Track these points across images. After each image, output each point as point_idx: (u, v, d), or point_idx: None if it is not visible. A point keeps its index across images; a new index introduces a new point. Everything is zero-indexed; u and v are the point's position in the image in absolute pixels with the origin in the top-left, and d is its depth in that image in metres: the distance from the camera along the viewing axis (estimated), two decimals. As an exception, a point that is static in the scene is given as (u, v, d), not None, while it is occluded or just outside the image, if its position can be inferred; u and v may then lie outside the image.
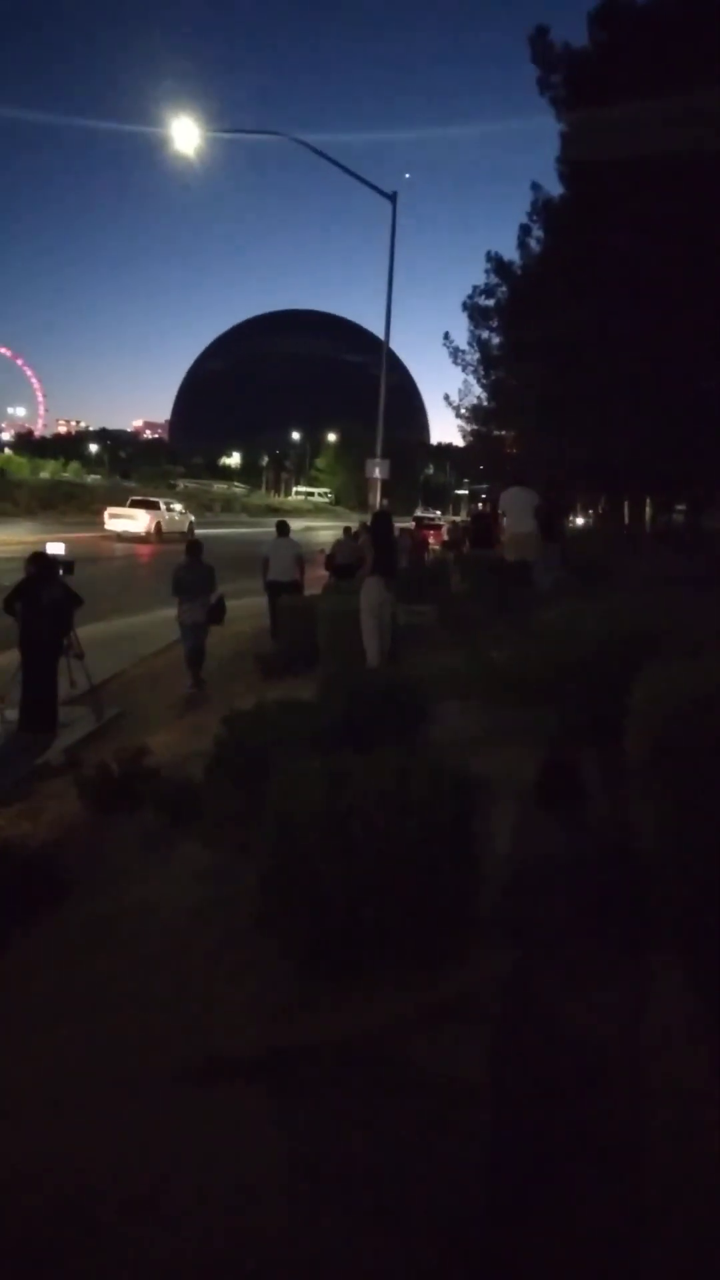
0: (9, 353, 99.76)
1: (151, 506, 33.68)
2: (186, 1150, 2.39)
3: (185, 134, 14.80)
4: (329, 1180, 2.25)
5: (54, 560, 7.79)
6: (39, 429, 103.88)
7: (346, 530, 17.77)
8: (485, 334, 23.58)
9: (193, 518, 37.17)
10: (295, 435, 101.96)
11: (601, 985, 2.91)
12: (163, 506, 34.50)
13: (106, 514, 32.43)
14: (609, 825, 3.92)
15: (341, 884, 3.09)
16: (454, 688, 6.12)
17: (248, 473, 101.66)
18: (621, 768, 4.23)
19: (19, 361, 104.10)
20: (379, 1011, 2.92)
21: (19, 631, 7.25)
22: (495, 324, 23.09)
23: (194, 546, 10.27)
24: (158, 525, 31.61)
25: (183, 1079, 2.70)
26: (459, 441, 36.04)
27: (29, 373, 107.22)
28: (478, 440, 28.45)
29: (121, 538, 30.16)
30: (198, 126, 14.93)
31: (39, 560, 7.62)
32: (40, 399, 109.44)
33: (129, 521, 31.32)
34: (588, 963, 3.03)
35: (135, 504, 33.76)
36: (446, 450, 75.28)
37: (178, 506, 36.91)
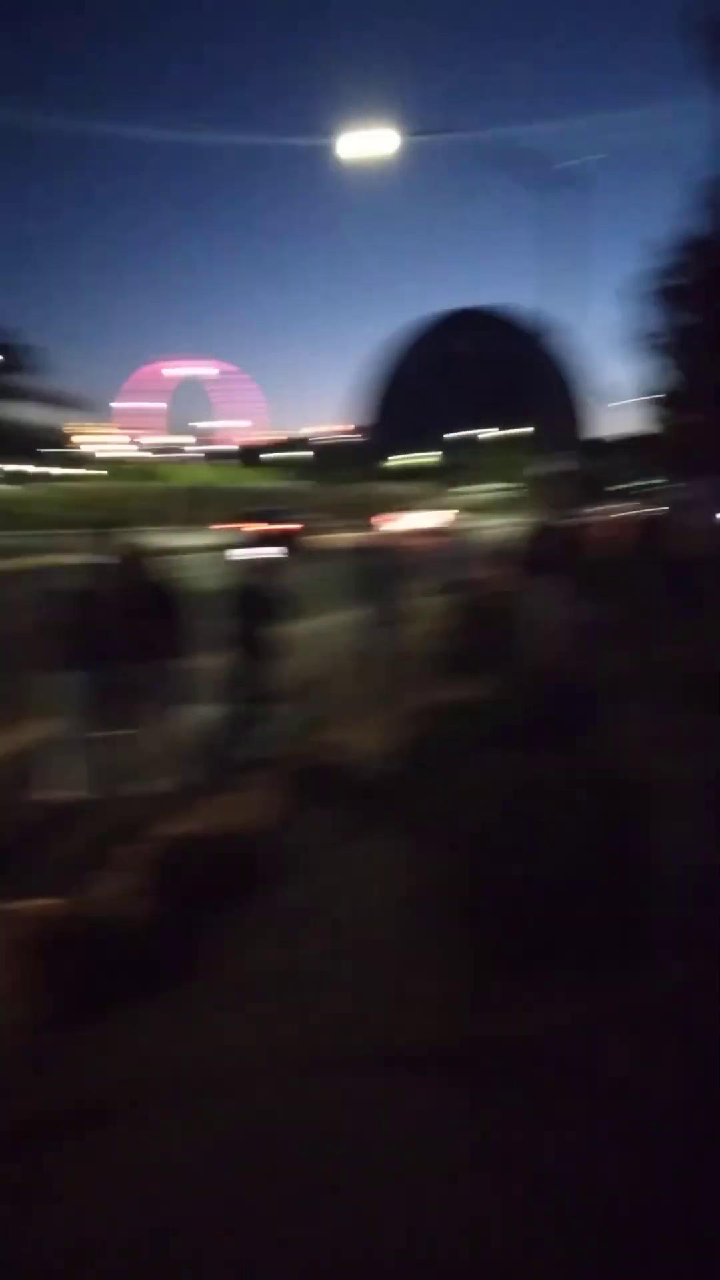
0: (230, 368, 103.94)
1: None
2: (373, 1135, 2.56)
3: (372, 142, 14.97)
4: (510, 1173, 2.36)
5: (267, 563, 8.31)
6: (258, 439, 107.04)
7: (530, 529, 17.59)
8: (679, 315, 22.51)
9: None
10: (479, 433, 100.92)
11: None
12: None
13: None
14: None
15: (525, 883, 3.24)
16: (633, 688, 6.10)
17: (439, 472, 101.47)
18: None
19: (238, 375, 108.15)
20: (560, 1012, 3.00)
21: (231, 629, 7.82)
22: (686, 303, 22.02)
23: (377, 548, 10.62)
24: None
25: (371, 1067, 2.89)
26: (631, 431, 34.35)
27: (249, 386, 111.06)
28: (669, 429, 27.27)
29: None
30: (387, 133, 15.03)
31: (257, 564, 8.20)
32: (262, 411, 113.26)
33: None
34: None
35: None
36: (622, 443, 71.94)
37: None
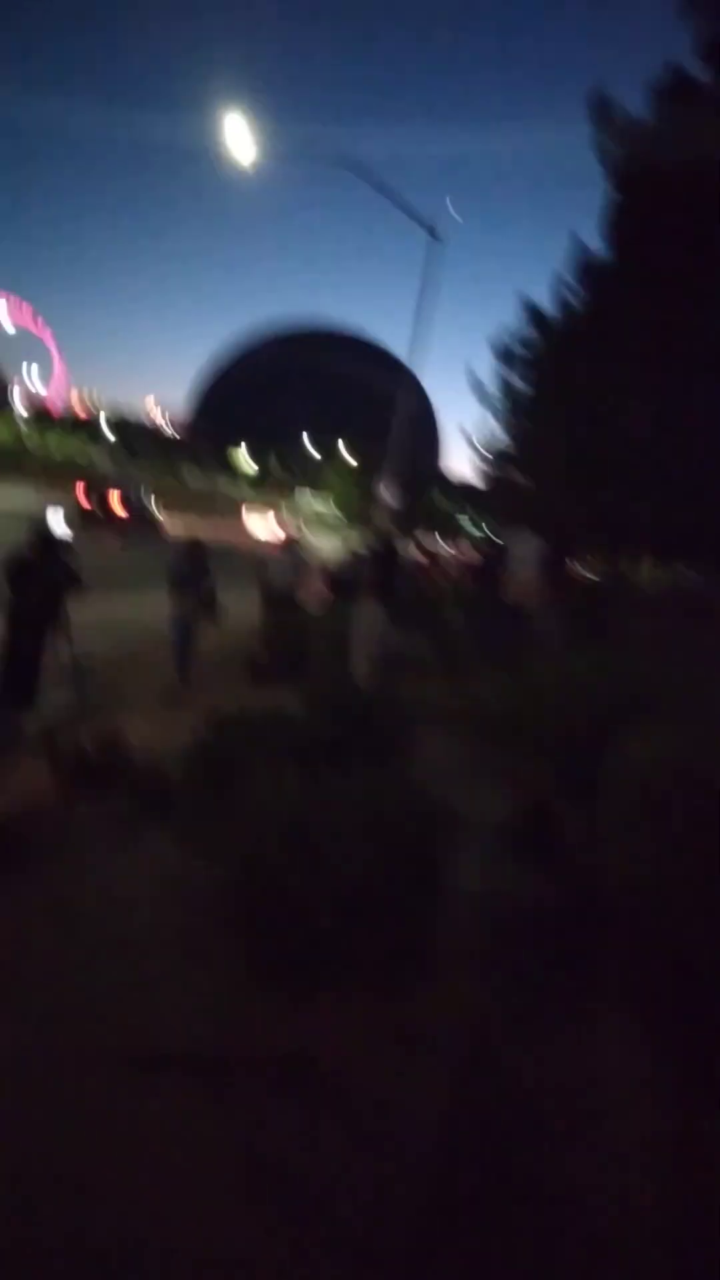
0: (29, 312, 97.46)
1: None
2: (123, 1135, 2.41)
3: (237, 131, 14.65)
4: (255, 1181, 2.26)
5: (54, 536, 7.72)
6: (53, 398, 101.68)
7: (354, 553, 17.79)
8: (513, 381, 23.71)
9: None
10: (308, 445, 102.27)
11: (549, 1031, 2.91)
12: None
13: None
14: (577, 874, 3.93)
15: (305, 898, 3.09)
16: (437, 719, 6.14)
17: (259, 477, 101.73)
18: (595, 819, 4.26)
19: (39, 324, 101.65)
20: (327, 1028, 2.93)
21: (9, 605, 7.22)
22: (525, 373, 23.24)
23: (192, 541, 10.25)
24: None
25: (126, 1068, 2.70)
26: (470, 471, 36.15)
27: (49, 339, 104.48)
28: (495, 482, 28.65)
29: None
30: (245, 125, 14.74)
31: (41, 535, 7.57)
32: (58, 367, 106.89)
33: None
34: (539, 1006, 3.03)
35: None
36: (461, 488, 75.59)
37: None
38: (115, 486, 32.32)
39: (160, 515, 33.00)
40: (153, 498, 34.30)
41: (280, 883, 3.14)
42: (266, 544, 12.97)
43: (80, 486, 30.96)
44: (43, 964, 3.28)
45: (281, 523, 30.88)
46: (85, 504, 29.34)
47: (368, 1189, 2.31)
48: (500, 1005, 3.11)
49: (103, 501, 29.70)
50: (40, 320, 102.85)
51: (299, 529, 31.13)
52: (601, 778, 4.73)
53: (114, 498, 30.23)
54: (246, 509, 35.03)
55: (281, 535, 26.25)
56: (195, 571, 9.72)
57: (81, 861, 4.16)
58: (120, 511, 29.62)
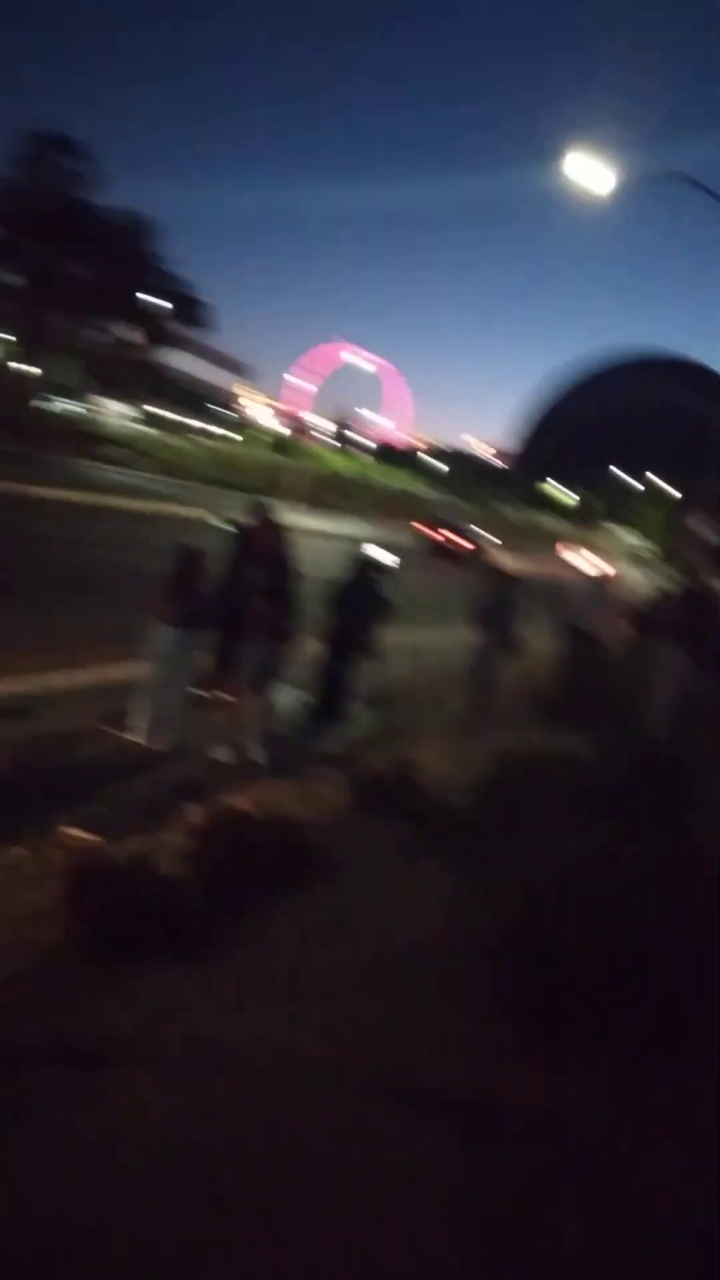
0: (386, 364, 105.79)
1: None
2: (362, 1160, 2.48)
3: (581, 169, 14.65)
4: (494, 1232, 2.24)
5: (373, 563, 8.23)
6: (401, 438, 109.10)
7: (663, 591, 17.00)
8: None
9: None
10: (631, 479, 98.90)
11: None
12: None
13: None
14: None
15: (578, 958, 3.04)
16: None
17: (581, 513, 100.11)
18: None
19: (394, 373, 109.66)
20: (583, 1093, 2.85)
21: (331, 623, 7.80)
22: None
23: (506, 578, 10.35)
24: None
25: (375, 1094, 2.79)
26: None
27: (402, 386, 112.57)
28: None
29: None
30: (593, 162, 14.73)
31: (361, 563, 8.14)
32: (408, 412, 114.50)
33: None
34: None
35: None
36: None
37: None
38: (460, 523, 36.46)
39: (500, 550, 34.63)
40: (491, 534, 37.98)
41: (552, 938, 3.12)
42: (573, 578, 12.72)
43: (429, 523, 35.22)
44: (316, 976, 3.49)
45: (592, 558, 30.93)
46: (434, 537, 33.00)
47: (599, 1255, 2.25)
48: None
49: (447, 536, 33.34)
50: (394, 369, 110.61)
51: (608, 563, 30.85)
52: None
53: (456, 533, 34.06)
54: (562, 544, 35.85)
55: (593, 569, 26.14)
56: (501, 605, 9.83)
57: (364, 881, 4.37)
58: (464, 545, 32.83)
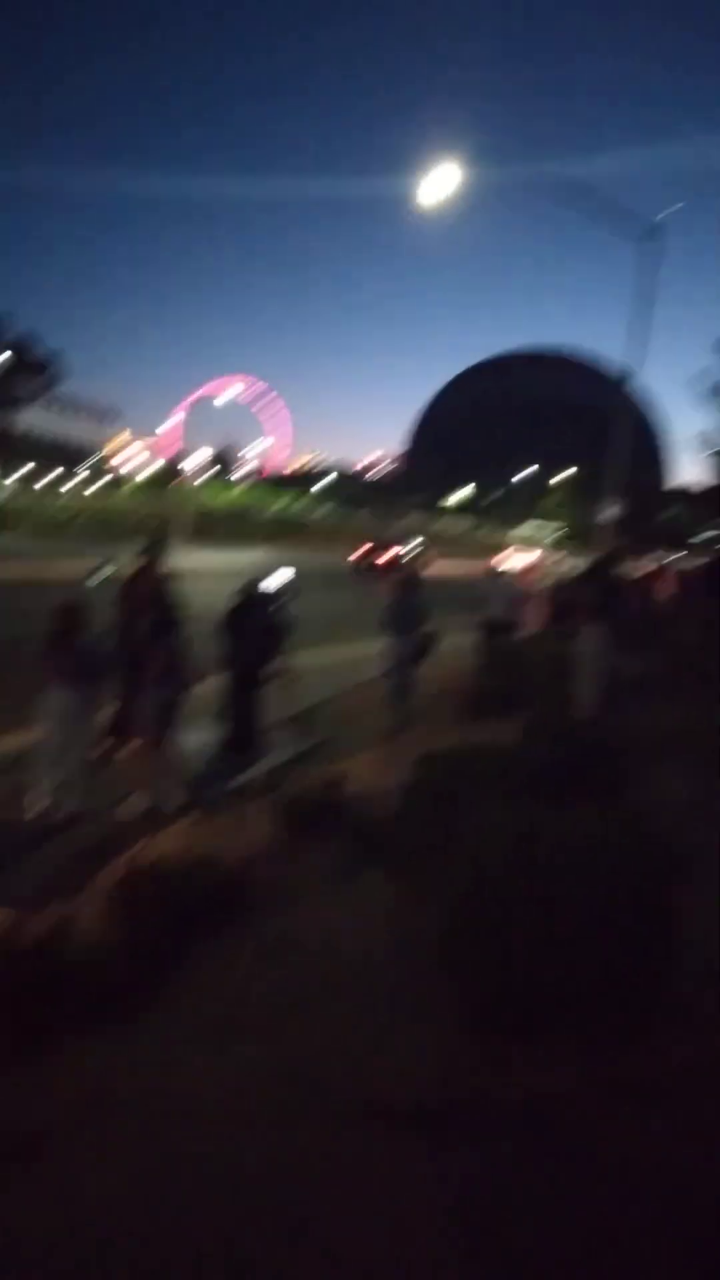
0: (262, 388, 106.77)
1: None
2: (342, 1186, 2.34)
3: (441, 181, 14.96)
4: (480, 1239, 2.13)
5: (259, 588, 8.11)
6: (283, 461, 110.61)
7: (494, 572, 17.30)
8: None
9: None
10: (528, 471, 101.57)
11: None
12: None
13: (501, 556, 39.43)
14: None
15: (529, 943, 2.92)
16: (673, 748, 5.69)
17: (478, 508, 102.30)
18: None
19: (270, 398, 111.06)
20: (551, 1079, 2.72)
21: (227, 655, 7.61)
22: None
23: (409, 581, 10.32)
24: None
25: (344, 1117, 2.63)
26: (702, 479, 34.34)
27: (278, 408, 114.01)
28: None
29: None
30: (455, 170, 15.02)
31: (250, 588, 8.01)
32: (287, 434, 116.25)
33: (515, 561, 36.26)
34: None
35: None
36: (686, 494, 72.03)
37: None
38: (387, 542, 38.53)
39: (426, 564, 36.19)
40: (418, 549, 39.47)
41: (497, 928, 2.99)
42: (487, 575, 12.82)
43: (363, 546, 37.33)
44: (261, 1011, 3.31)
45: (518, 554, 33.58)
46: (364, 558, 35.11)
47: (591, 1245, 2.10)
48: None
49: (374, 555, 35.37)
50: (269, 393, 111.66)
51: (529, 556, 33.59)
52: None
53: (383, 551, 35.99)
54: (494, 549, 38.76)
55: (515, 564, 27.73)
56: (409, 610, 9.79)
57: (301, 906, 4.20)
58: (393, 558, 33.88)
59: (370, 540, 38.37)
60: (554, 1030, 2.85)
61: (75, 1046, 3.17)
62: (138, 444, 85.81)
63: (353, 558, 35.51)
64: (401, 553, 36.40)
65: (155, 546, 6.86)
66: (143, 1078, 2.96)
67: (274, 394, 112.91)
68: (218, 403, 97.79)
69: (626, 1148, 2.43)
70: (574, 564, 35.09)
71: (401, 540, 40.32)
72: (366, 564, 34.33)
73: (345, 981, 3.45)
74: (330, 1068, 2.87)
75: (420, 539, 44.57)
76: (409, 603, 9.82)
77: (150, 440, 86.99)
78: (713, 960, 3.24)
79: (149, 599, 6.55)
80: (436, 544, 48.18)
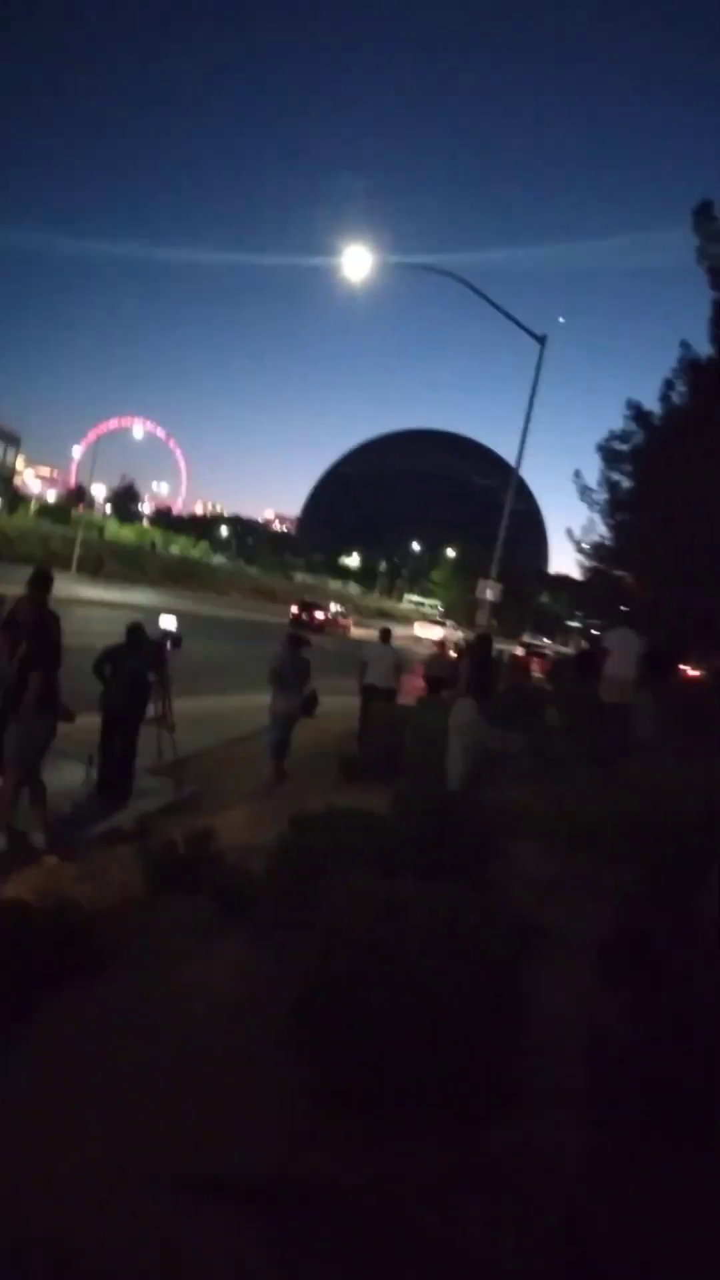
0: (163, 433, 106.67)
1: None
2: (174, 1258, 2.29)
3: (358, 262, 15.74)
4: None
5: (143, 631, 8.04)
6: (178, 507, 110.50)
7: (416, 640, 17.84)
8: (616, 476, 23.74)
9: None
10: (415, 546, 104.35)
11: (642, 1180, 2.64)
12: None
13: (416, 626, 46.84)
14: (676, 1000, 3.64)
15: (376, 1017, 2.95)
16: (532, 825, 5.91)
17: (365, 575, 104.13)
18: (699, 941, 3.96)
19: (170, 442, 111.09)
20: (395, 1161, 2.73)
21: (101, 696, 7.47)
22: (628, 468, 23.26)
23: (295, 639, 10.43)
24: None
25: (183, 1189, 2.58)
26: (578, 575, 36.22)
27: (178, 454, 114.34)
28: (596, 577, 28.35)
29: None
30: (369, 255, 15.85)
31: (131, 630, 7.92)
32: (184, 479, 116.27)
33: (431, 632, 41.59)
34: (630, 1149, 2.77)
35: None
36: (564, 581, 75.50)
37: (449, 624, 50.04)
38: (312, 601, 45.01)
39: (347, 621, 43.61)
40: (340, 608, 46.32)
41: (350, 999, 3.01)
42: (366, 642, 13.02)
43: (294, 605, 42.86)
44: (106, 1074, 3.21)
45: (430, 627, 39.15)
46: (300, 615, 39.63)
47: None
48: (586, 1146, 2.86)
49: (308, 612, 40.84)
50: (171, 438, 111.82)
51: (430, 628, 37.61)
52: (705, 894, 4.43)
53: (309, 608, 41.73)
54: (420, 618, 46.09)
55: (432, 636, 29.61)
56: (297, 669, 9.86)
57: (159, 964, 4.10)
58: (316, 618, 40.27)
59: (302, 601, 44.28)
60: (399, 1107, 2.87)
61: None
62: (36, 470, 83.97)
63: (292, 614, 40.18)
64: (331, 614, 42.89)
65: (40, 577, 6.70)
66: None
67: (173, 440, 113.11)
68: (128, 439, 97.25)
69: (450, 1237, 2.44)
70: (456, 638, 37.55)
71: (326, 604, 45.65)
72: (304, 620, 38.52)
73: (195, 1047, 3.38)
74: (168, 1139, 2.81)
75: (342, 604, 51.06)
76: (296, 660, 9.90)
77: (51, 468, 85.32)
78: (558, 1039, 3.35)
79: (28, 625, 6.36)
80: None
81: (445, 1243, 2.44)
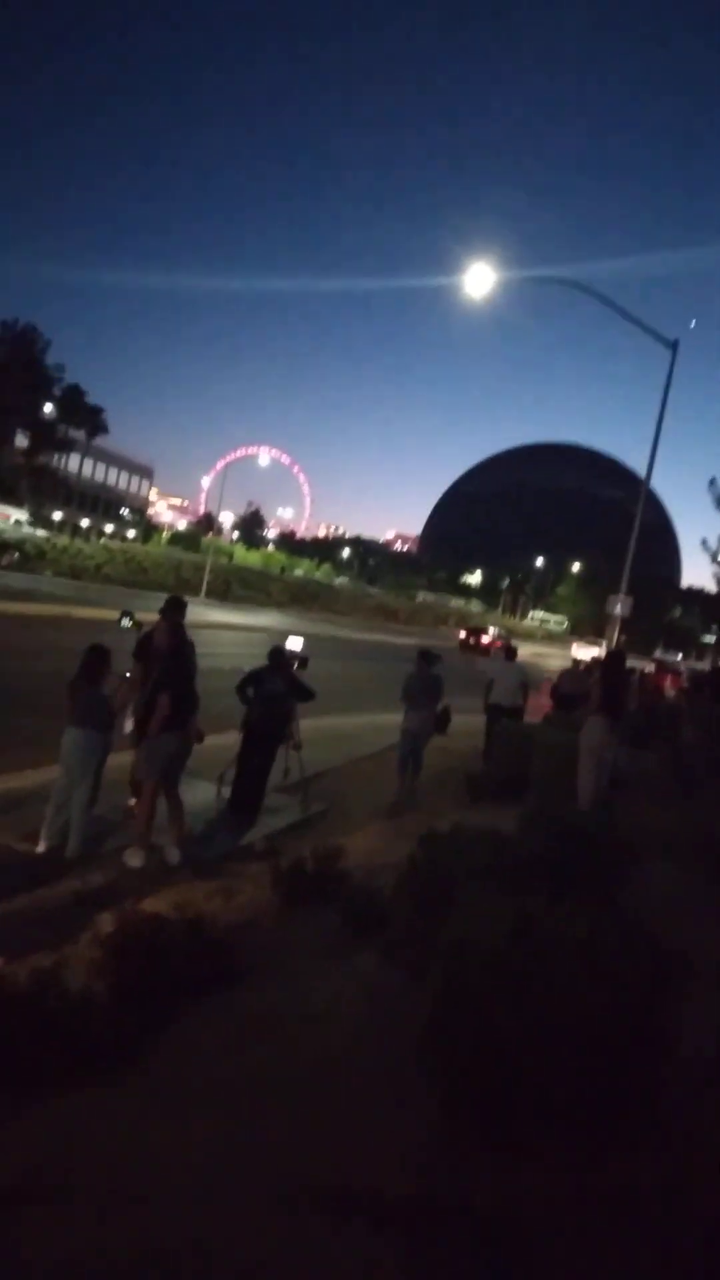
0: (287, 460, 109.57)
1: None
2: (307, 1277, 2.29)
3: (480, 279, 15.73)
4: None
5: (284, 654, 8.21)
6: (302, 530, 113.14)
7: (575, 662, 17.50)
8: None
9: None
10: (539, 561, 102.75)
11: None
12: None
13: (575, 647, 47.47)
14: None
15: (511, 1040, 2.90)
16: (667, 847, 5.70)
17: (488, 592, 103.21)
18: None
19: (294, 468, 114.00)
20: (524, 1186, 2.66)
21: (243, 717, 7.67)
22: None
23: (427, 655, 10.40)
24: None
25: (310, 1203, 2.59)
26: (712, 587, 34.72)
27: (302, 479, 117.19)
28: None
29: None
30: (491, 271, 15.81)
31: (272, 653, 8.11)
32: (307, 503, 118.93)
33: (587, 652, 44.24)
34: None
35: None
36: (697, 595, 72.59)
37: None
38: (478, 626, 51.56)
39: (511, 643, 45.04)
40: (499, 630, 51.23)
41: (482, 1019, 2.97)
42: (495, 659, 12.88)
43: (462, 629, 49.67)
44: (239, 1087, 3.27)
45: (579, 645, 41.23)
46: (461, 636, 45.74)
47: None
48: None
49: (472, 635, 46.12)
50: (295, 464, 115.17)
51: (585, 648, 38.82)
52: None
53: (475, 632, 47.40)
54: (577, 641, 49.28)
55: (586, 656, 29.94)
56: (427, 686, 9.85)
57: (292, 980, 4.16)
58: (482, 641, 44.73)
59: (468, 626, 51.05)
60: (535, 1130, 2.82)
61: (49, 1105, 3.13)
62: (168, 500, 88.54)
63: (460, 638, 45.44)
64: (494, 636, 46.91)
65: (175, 604, 7.00)
66: (110, 1149, 2.90)
67: (296, 465, 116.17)
68: (254, 466, 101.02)
69: (584, 1264, 2.37)
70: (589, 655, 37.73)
71: (487, 628, 51.19)
72: (471, 643, 43.55)
73: (327, 1063, 3.40)
74: (305, 1154, 2.83)
75: (500, 628, 56.56)
76: (427, 677, 9.88)
77: (181, 498, 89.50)
78: (700, 1070, 3.21)
79: (164, 648, 6.66)
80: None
81: (579, 1271, 2.38)
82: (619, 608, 16.31)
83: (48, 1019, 3.38)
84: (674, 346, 15.87)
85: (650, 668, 36.58)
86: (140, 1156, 2.85)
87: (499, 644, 44.18)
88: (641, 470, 16.73)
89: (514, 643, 14.61)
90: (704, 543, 25.54)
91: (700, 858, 5.44)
